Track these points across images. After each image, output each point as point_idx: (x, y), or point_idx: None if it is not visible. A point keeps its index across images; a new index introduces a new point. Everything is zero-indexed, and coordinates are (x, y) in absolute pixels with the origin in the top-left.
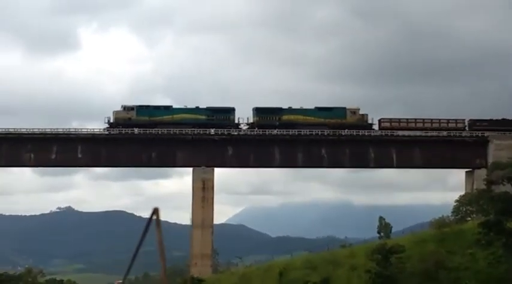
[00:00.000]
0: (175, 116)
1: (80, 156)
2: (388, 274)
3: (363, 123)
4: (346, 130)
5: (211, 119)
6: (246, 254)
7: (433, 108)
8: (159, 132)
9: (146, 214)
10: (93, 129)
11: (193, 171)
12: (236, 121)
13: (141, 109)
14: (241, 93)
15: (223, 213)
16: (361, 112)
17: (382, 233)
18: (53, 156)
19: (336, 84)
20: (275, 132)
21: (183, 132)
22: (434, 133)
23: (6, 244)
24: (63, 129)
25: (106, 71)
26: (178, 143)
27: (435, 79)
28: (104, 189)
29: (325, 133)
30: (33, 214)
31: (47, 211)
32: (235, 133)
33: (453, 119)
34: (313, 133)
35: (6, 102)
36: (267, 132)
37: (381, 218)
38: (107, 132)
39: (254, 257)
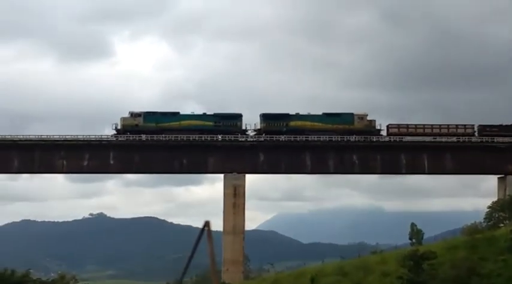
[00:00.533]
0: (182, 122)
1: (112, 162)
2: (420, 281)
3: (370, 128)
4: (354, 136)
5: (218, 125)
6: (277, 261)
7: (463, 114)
8: (191, 138)
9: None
10: (127, 135)
11: (224, 177)
12: (244, 128)
13: (148, 115)
14: (272, 99)
15: (254, 219)
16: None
17: (413, 240)
18: (85, 163)
19: (365, 89)
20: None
21: (214, 138)
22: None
23: (39, 250)
24: (95, 135)
25: (138, 78)
26: (210, 149)
27: (465, 85)
28: (136, 195)
29: (355, 139)
30: (65, 220)
31: (80, 217)
32: (267, 139)
33: (462, 124)
34: (345, 139)
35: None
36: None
37: (413, 225)
38: (139, 139)
39: (285, 264)
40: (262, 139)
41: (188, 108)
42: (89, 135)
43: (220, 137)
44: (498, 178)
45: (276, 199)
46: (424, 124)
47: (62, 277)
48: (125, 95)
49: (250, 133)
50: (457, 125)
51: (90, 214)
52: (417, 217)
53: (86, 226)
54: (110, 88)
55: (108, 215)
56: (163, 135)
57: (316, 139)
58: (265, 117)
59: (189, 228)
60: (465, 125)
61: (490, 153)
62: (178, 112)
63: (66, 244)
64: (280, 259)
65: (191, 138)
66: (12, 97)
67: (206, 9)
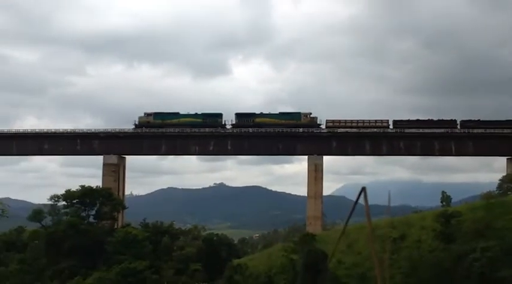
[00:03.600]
0: (180, 120)
1: (229, 147)
2: (449, 232)
3: (313, 123)
4: (301, 129)
5: (205, 121)
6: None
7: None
8: (285, 130)
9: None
10: (241, 128)
11: (308, 158)
12: (223, 123)
13: (157, 115)
14: (342, 103)
15: (329, 187)
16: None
17: (444, 203)
18: (211, 148)
19: (410, 95)
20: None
21: (300, 130)
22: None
23: (180, 208)
24: (217, 129)
25: (247, 89)
26: (298, 138)
27: (483, 92)
28: (246, 170)
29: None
30: (198, 187)
31: (207, 186)
32: (337, 131)
33: (379, 120)
34: (395, 131)
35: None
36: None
37: (443, 192)
38: (248, 130)
39: (351, 219)
40: (337, 130)
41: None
42: (213, 129)
43: (207, 129)
44: (507, 159)
45: (344, 173)
46: (351, 120)
47: (195, 227)
48: (238, 101)
49: (228, 127)
50: (376, 120)
51: (214, 184)
52: (446, 187)
53: (211, 192)
54: (228, 97)
55: (226, 184)
56: (263, 128)
57: (375, 130)
58: (238, 115)
59: (283, 193)
60: (382, 120)
61: (501, 140)
62: (178, 112)
63: (198, 204)
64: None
65: (285, 130)
66: (161, 103)
67: (297, 40)
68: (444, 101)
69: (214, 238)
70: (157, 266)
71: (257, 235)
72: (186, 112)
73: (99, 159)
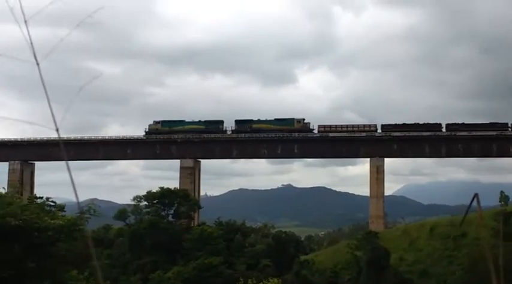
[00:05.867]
0: (185, 127)
1: (296, 151)
2: (507, 231)
3: (305, 128)
4: (297, 134)
5: (207, 128)
6: (406, 216)
7: None
8: (348, 135)
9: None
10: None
11: (370, 160)
12: (224, 129)
13: (164, 122)
14: (403, 108)
15: (390, 187)
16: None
17: (502, 202)
18: (279, 151)
19: (467, 100)
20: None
21: (363, 134)
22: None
23: (251, 208)
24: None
25: (312, 97)
26: (361, 142)
27: None
28: (312, 172)
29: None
30: (267, 188)
31: (275, 187)
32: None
33: (368, 124)
34: (451, 134)
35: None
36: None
37: (502, 192)
38: (318, 135)
39: (412, 218)
40: (396, 133)
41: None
42: (282, 134)
43: (211, 135)
44: None
45: (405, 174)
46: (341, 125)
47: (265, 225)
48: (304, 108)
49: (228, 132)
50: (364, 125)
51: (282, 185)
52: (504, 187)
53: (279, 192)
54: (294, 104)
55: (294, 185)
56: (328, 133)
57: (432, 134)
58: (237, 122)
59: (347, 193)
60: (370, 125)
61: None
62: (183, 120)
63: (267, 204)
64: (408, 215)
65: (348, 135)
66: (232, 110)
67: (359, 49)
68: (500, 105)
69: (283, 236)
70: (230, 262)
71: (323, 233)
72: (190, 120)
73: (176, 163)
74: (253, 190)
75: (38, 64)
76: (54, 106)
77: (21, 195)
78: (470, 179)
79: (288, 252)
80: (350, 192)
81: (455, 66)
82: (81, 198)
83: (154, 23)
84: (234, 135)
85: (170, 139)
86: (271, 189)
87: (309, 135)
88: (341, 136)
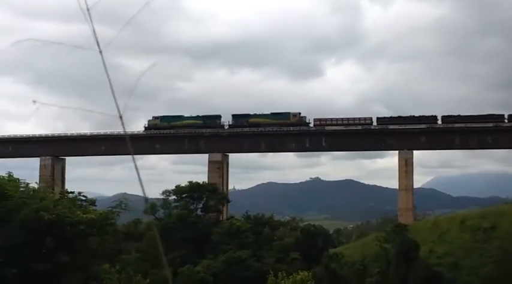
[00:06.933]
0: (183, 122)
1: (323, 144)
2: None
3: (301, 122)
4: (291, 128)
5: (205, 123)
6: (435, 209)
7: None
8: (376, 127)
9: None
10: (310, 126)
11: (399, 153)
12: (221, 124)
13: (163, 118)
14: (430, 100)
15: (419, 180)
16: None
17: None
18: (307, 144)
19: (496, 91)
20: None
21: (389, 127)
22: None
23: (280, 201)
24: (313, 127)
25: (339, 90)
26: (389, 135)
27: None
28: (340, 165)
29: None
30: (295, 182)
31: (304, 180)
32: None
33: (363, 118)
34: (471, 127)
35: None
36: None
37: None
38: (360, 128)
39: (441, 211)
40: (423, 126)
41: (372, 109)
42: (309, 128)
43: (208, 130)
44: None
45: (433, 167)
46: (337, 118)
47: (293, 219)
48: (331, 101)
49: (225, 127)
50: (359, 118)
51: (310, 178)
52: None
53: (307, 185)
54: (321, 98)
55: (322, 178)
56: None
57: (465, 126)
58: (234, 116)
59: (375, 186)
60: (365, 118)
61: None
62: (182, 115)
63: (295, 197)
64: (437, 207)
65: (376, 127)
66: (260, 103)
67: (386, 41)
68: None
69: (311, 229)
70: (259, 255)
71: (351, 225)
72: (188, 115)
73: (204, 157)
74: (281, 183)
75: (101, 52)
76: (84, 100)
77: (53, 189)
78: (500, 171)
79: (316, 245)
80: (378, 185)
81: (484, 58)
82: (112, 193)
83: (181, 18)
84: (262, 129)
85: (197, 133)
86: (300, 183)
87: (337, 129)
88: (369, 130)
